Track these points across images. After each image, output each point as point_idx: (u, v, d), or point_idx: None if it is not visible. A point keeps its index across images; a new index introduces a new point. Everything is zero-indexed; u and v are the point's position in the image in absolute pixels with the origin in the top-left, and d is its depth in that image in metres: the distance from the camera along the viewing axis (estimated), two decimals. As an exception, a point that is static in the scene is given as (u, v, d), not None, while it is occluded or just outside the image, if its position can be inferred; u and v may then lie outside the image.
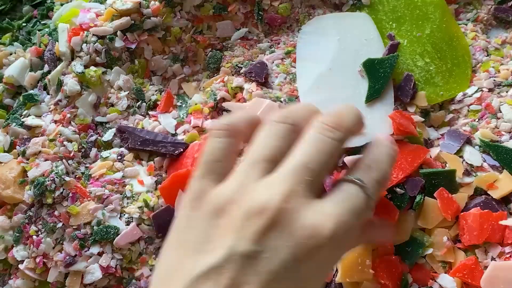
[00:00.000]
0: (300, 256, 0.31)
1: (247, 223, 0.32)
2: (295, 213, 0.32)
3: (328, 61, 0.63)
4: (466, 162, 0.57)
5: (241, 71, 0.64)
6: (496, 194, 0.55)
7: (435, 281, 0.53)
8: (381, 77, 0.61)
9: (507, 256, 0.52)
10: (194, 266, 0.31)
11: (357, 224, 0.35)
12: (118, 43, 0.65)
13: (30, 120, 0.64)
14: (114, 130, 0.64)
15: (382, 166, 0.40)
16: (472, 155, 0.58)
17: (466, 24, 0.67)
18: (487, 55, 0.64)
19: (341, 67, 0.63)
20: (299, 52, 0.65)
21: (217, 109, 0.64)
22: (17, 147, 0.63)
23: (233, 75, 0.65)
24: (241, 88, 0.63)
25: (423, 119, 0.60)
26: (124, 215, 0.59)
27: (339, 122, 0.38)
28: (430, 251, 0.53)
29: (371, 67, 0.61)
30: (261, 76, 0.63)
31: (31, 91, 0.67)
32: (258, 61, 0.65)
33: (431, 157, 0.58)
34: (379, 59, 0.61)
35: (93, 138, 0.63)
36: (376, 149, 0.42)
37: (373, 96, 0.61)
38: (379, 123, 0.59)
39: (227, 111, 0.63)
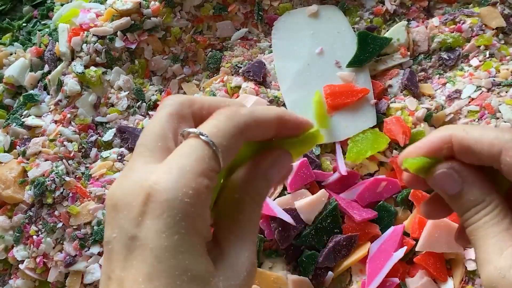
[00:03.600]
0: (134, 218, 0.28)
1: None
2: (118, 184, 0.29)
3: (305, 57, 0.64)
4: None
5: (240, 70, 0.64)
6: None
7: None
8: (369, 51, 0.63)
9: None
10: None
11: (199, 177, 0.28)
12: (118, 43, 0.65)
13: (30, 120, 0.64)
14: (114, 130, 0.64)
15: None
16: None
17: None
18: (487, 55, 0.64)
19: (318, 61, 0.64)
20: (275, 50, 0.66)
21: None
22: (17, 147, 0.63)
23: (232, 75, 0.65)
24: (239, 88, 0.63)
25: (427, 110, 0.61)
26: (124, 215, 0.59)
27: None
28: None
29: (364, 39, 0.63)
30: (259, 75, 0.63)
31: (31, 91, 0.67)
32: (256, 61, 0.65)
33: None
34: (374, 35, 0.64)
35: (93, 138, 0.63)
36: None
37: (355, 64, 0.63)
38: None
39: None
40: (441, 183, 0.35)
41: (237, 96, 0.63)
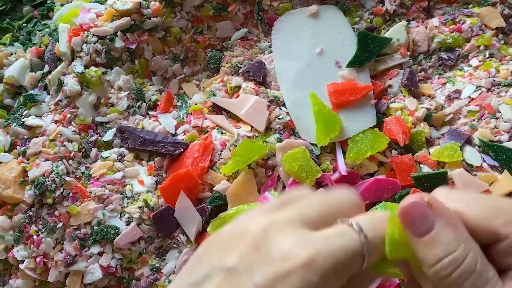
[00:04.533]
0: (272, 277, 0.29)
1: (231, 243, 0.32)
2: (276, 237, 0.31)
3: (305, 57, 0.64)
4: (466, 162, 0.58)
5: (240, 70, 0.65)
6: (496, 193, 0.55)
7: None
8: (369, 51, 0.63)
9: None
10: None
11: (341, 266, 0.29)
12: (118, 43, 0.65)
13: (31, 120, 0.64)
14: (114, 130, 0.64)
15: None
16: (472, 155, 0.58)
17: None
18: (487, 55, 0.64)
19: (318, 61, 0.64)
20: (275, 50, 0.66)
21: (216, 109, 0.64)
22: (18, 147, 0.63)
23: (232, 75, 0.66)
24: (239, 88, 0.63)
25: (427, 110, 0.61)
26: (124, 215, 0.59)
27: None
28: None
29: (364, 39, 0.63)
30: (259, 75, 0.63)
31: (32, 91, 0.67)
32: (256, 61, 0.65)
33: (429, 154, 0.59)
34: (374, 35, 0.64)
35: (93, 138, 0.63)
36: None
37: (355, 64, 0.63)
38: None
39: (227, 111, 0.63)
40: (409, 218, 0.30)
41: (237, 96, 0.63)
